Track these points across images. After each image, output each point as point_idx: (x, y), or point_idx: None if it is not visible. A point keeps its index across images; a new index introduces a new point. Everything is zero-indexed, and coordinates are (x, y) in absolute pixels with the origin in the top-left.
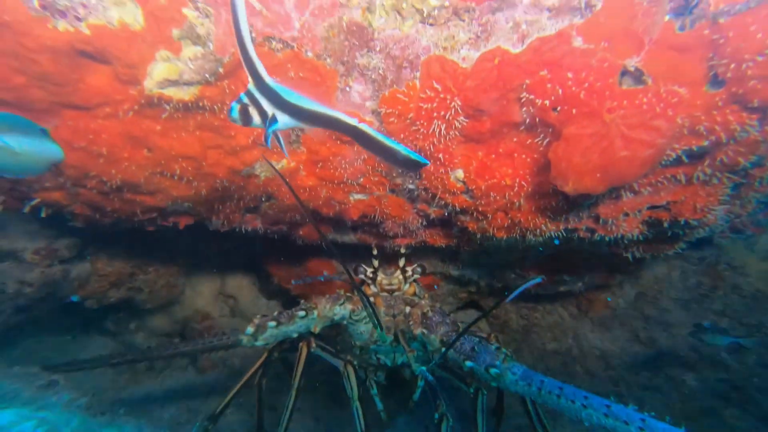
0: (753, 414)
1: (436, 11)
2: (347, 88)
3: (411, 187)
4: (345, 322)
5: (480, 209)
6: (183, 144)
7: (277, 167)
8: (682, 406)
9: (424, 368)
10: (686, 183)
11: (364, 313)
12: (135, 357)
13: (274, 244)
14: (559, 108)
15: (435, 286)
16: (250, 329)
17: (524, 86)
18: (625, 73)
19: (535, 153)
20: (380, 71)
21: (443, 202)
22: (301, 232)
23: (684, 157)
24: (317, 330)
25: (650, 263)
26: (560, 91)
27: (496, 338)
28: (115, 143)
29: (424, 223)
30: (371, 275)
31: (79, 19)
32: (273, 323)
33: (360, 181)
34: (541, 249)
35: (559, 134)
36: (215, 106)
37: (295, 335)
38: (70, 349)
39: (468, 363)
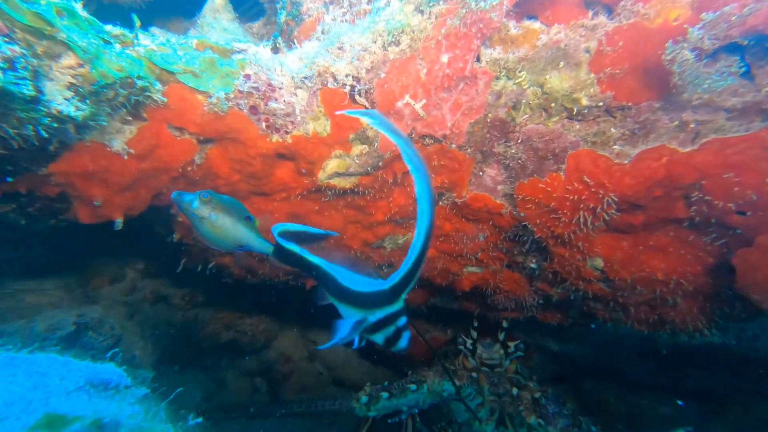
0: None
1: (586, 110)
2: (480, 173)
3: (533, 266)
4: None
5: (620, 300)
6: (330, 220)
7: (402, 240)
8: None
9: None
10: None
11: (469, 390)
12: (259, 412)
13: None
14: (749, 213)
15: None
16: (364, 398)
17: (698, 186)
18: None
19: (700, 251)
20: (520, 161)
21: (573, 288)
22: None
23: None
24: (425, 405)
25: None
26: (754, 197)
27: None
28: (282, 219)
29: (541, 302)
30: (470, 347)
31: (287, 133)
32: (386, 394)
33: (478, 255)
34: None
35: (748, 240)
36: (366, 191)
37: (405, 408)
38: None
39: None
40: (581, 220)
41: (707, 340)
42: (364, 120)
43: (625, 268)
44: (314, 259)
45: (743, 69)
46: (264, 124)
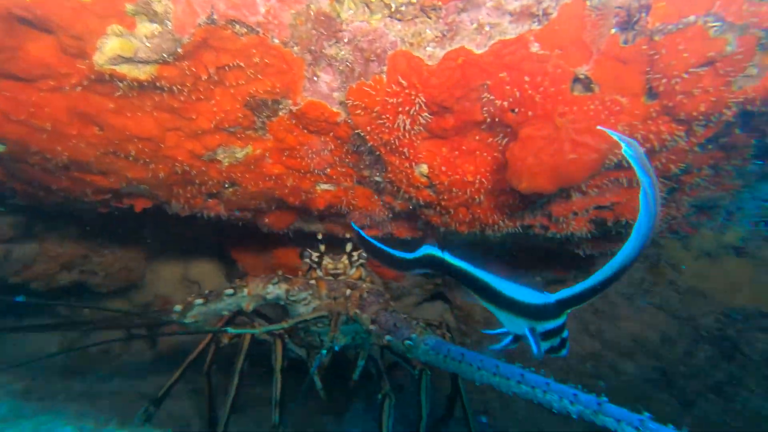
0: (677, 398)
1: (403, 7)
2: (315, 78)
3: (378, 179)
4: (283, 303)
5: (443, 204)
6: (139, 124)
7: (239, 154)
8: (623, 392)
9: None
10: (627, 186)
11: (303, 295)
12: (64, 322)
13: (240, 231)
14: (516, 110)
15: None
16: (178, 307)
17: (486, 87)
18: (576, 80)
19: (495, 151)
20: (348, 63)
21: (407, 196)
22: (266, 220)
23: (625, 162)
24: (249, 308)
25: (602, 260)
26: (518, 93)
27: (447, 326)
28: (60, 118)
29: (390, 215)
30: (316, 259)
31: None
32: (200, 300)
33: (327, 171)
34: (502, 245)
35: (516, 135)
36: (174, 87)
37: (225, 313)
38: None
39: (387, 337)
40: (401, 124)
41: (505, 232)
42: (623, 145)
43: (444, 173)
44: (478, 272)
45: None
46: None
